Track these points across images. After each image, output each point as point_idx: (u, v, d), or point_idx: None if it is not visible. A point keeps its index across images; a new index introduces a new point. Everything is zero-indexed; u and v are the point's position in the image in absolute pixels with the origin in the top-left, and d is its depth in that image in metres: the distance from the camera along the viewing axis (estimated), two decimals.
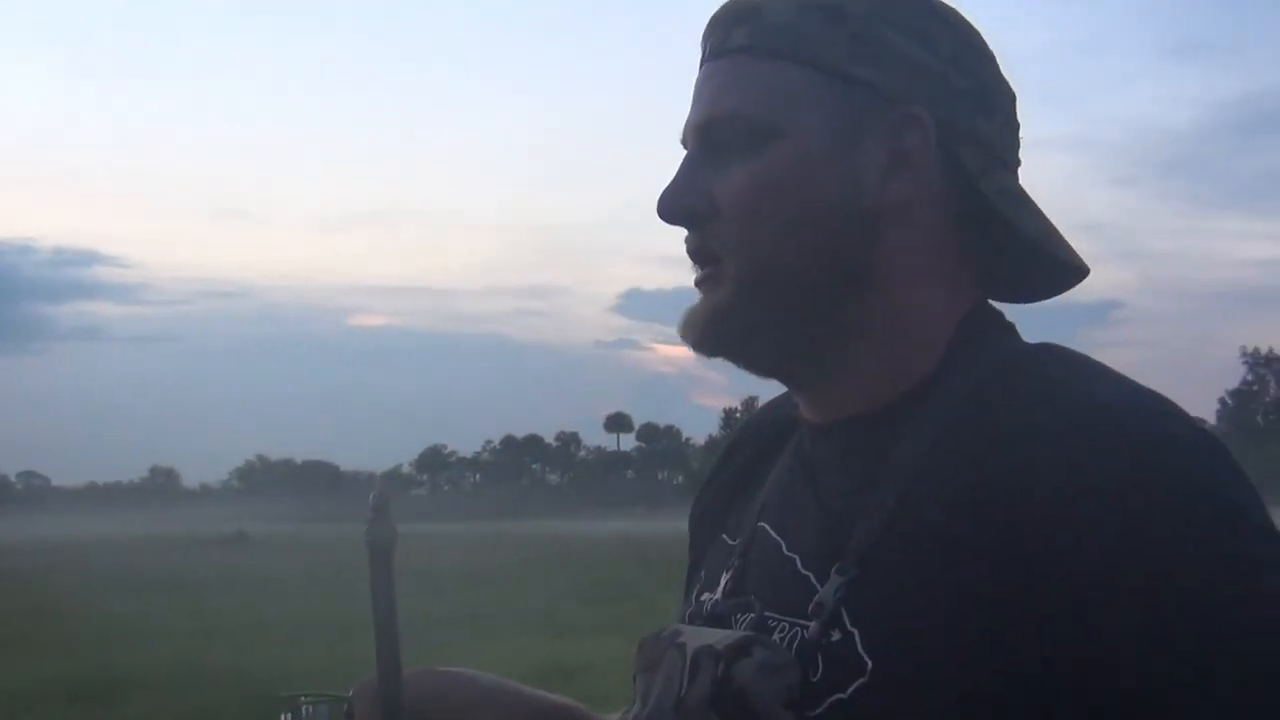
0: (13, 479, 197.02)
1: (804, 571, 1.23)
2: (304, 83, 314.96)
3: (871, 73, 1.23)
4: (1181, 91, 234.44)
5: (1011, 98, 1.32)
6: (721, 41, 1.29)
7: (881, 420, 1.24)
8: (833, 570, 1.18)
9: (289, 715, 1.38)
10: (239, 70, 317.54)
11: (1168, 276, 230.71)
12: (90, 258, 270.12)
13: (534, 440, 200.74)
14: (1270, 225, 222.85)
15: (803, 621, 1.18)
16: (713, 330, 1.28)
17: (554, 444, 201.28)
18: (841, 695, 1.12)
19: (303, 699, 1.38)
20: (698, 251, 1.29)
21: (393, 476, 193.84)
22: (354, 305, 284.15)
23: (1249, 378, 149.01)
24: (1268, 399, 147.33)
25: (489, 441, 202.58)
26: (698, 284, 1.29)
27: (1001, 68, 1.32)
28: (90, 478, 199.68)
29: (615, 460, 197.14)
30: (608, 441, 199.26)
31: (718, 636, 1.21)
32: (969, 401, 1.19)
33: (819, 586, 1.19)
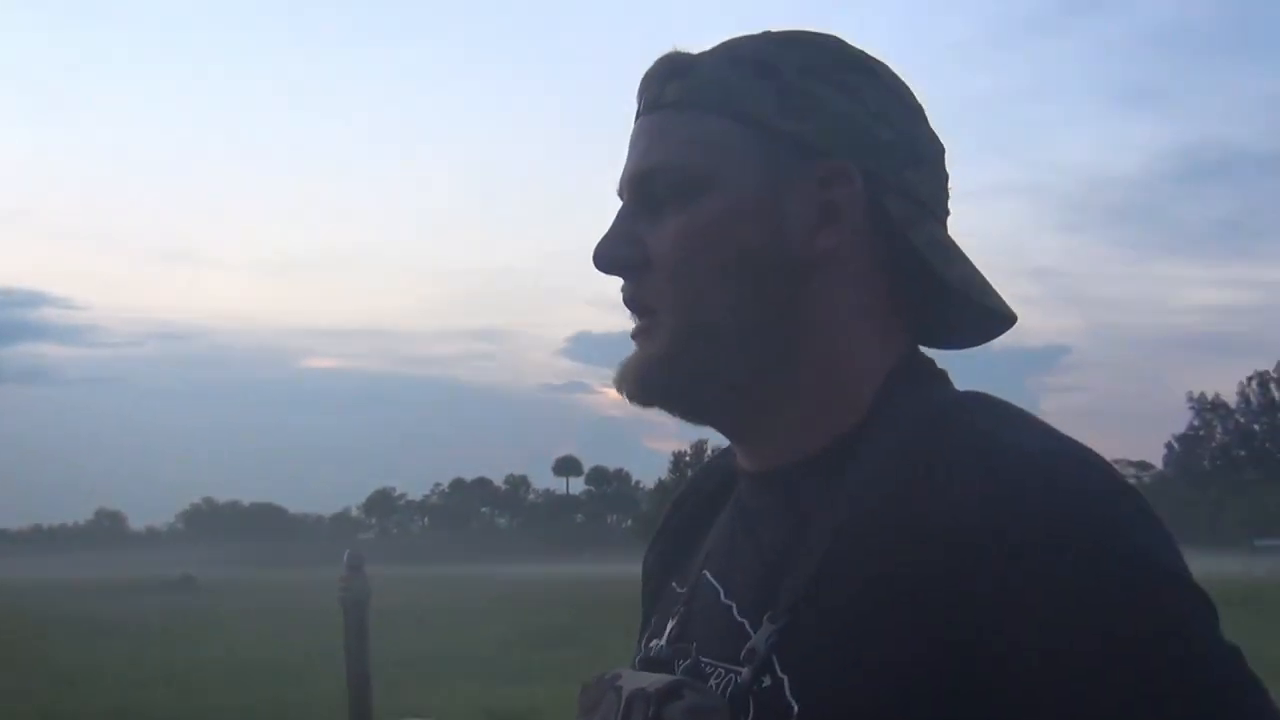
0: None
1: (739, 619, 1.24)
2: (252, 125, 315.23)
3: (799, 126, 1.25)
4: (1127, 139, 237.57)
5: (940, 150, 1.33)
6: (655, 96, 1.31)
7: (812, 469, 1.25)
8: (764, 618, 1.19)
9: None
10: (186, 111, 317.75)
11: (1115, 322, 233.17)
12: (37, 299, 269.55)
13: (483, 483, 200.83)
14: (1214, 272, 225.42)
15: (736, 667, 1.19)
16: (646, 381, 1.29)
17: (503, 487, 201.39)
18: None
19: None
20: (632, 301, 1.30)
21: (341, 519, 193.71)
22: (304, 348, 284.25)
23: (1195, 423, 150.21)
24: (1214, 444, 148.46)
25: (438, 484, 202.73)
26: (634, 336, 1.30)
27: (930, 120, 1.33)
28: (35, 520, 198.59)
29: (565, 503, 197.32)
30: (557, 485, 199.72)
31: (651, 680, 1.22)
32: (897, 451, 1.18)
33: (752, 633, 1.20)
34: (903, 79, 1.32)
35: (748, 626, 1.22)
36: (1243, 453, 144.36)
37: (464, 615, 27.91)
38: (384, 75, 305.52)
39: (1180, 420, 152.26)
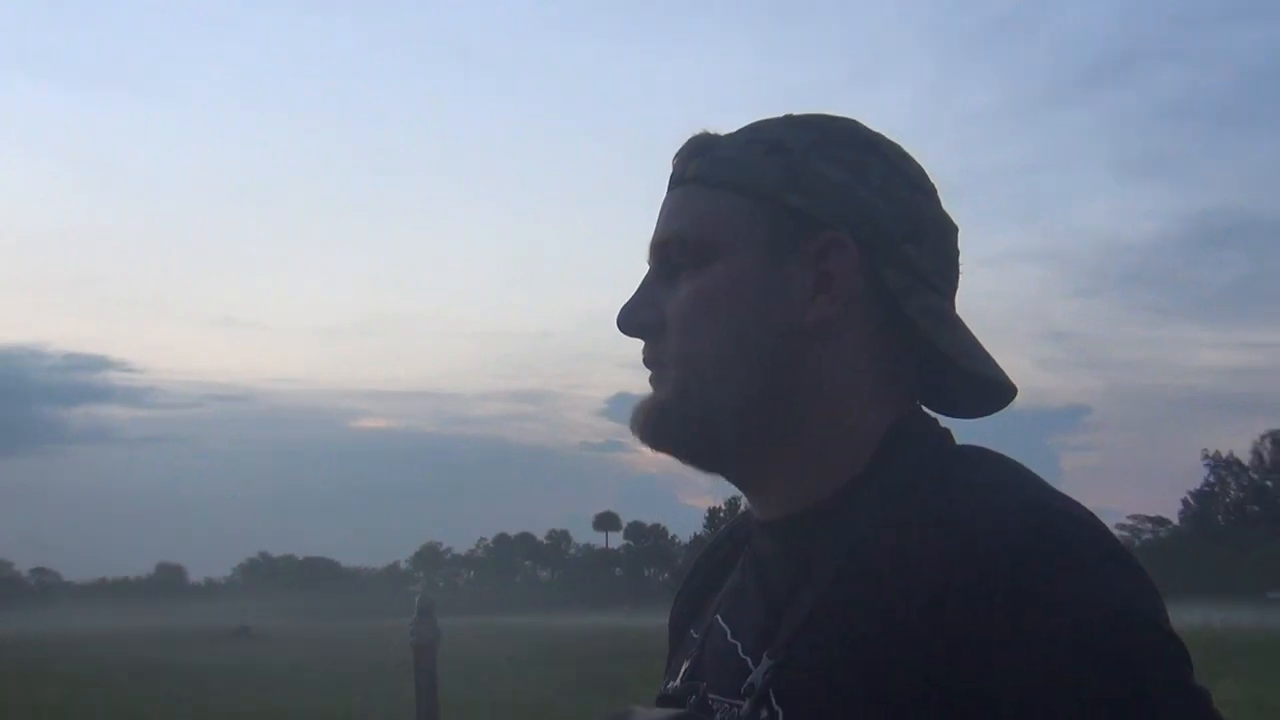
0: (25, 574, 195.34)
1: (743, 656, 1.28)
2: (304, 198, 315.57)
3: (802, 200, 1.28)
4: (1141, 206, 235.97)
5: (946, 228, 1.35)
6: (680, 172, 1.37)
7: (815, 518, 1.28)
8: (765, 655, 1.23)
9: None
10: (240, 185, 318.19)
11: (1132, 383, 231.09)
12: (100, 363, 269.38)
13: (526, 538, 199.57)
14: (1227, 334, 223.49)
15: (739, 701, 1.23)
16: (654, 427, 1.33)
17: (545, 541, 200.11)
18: None
19: None
20: (650, 361, 1.35)
21: (391, 572, 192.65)
22: (357, 409, 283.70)
23: (1210, 479, 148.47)
24: (1228, 500, 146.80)
25: (483, 539, 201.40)
26: (650, 381, 1.35)
27: (941, 201, 1.36)
28: (100, 574, 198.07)
29: (604, 557, 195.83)
30: (596, 539, 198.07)
31: (659, 715, 1.27)
32: (895, 501, 1.22)
33: (753, 669, 1.23)
34: (915, 161, 1.35)
35: (750, 663, 1.25)
36: (1256, 508, 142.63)
37: (511, 664, 27.83)
38: (430, 151, 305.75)
39: (1196, 477, 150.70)
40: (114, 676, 28.14)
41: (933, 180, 1.36)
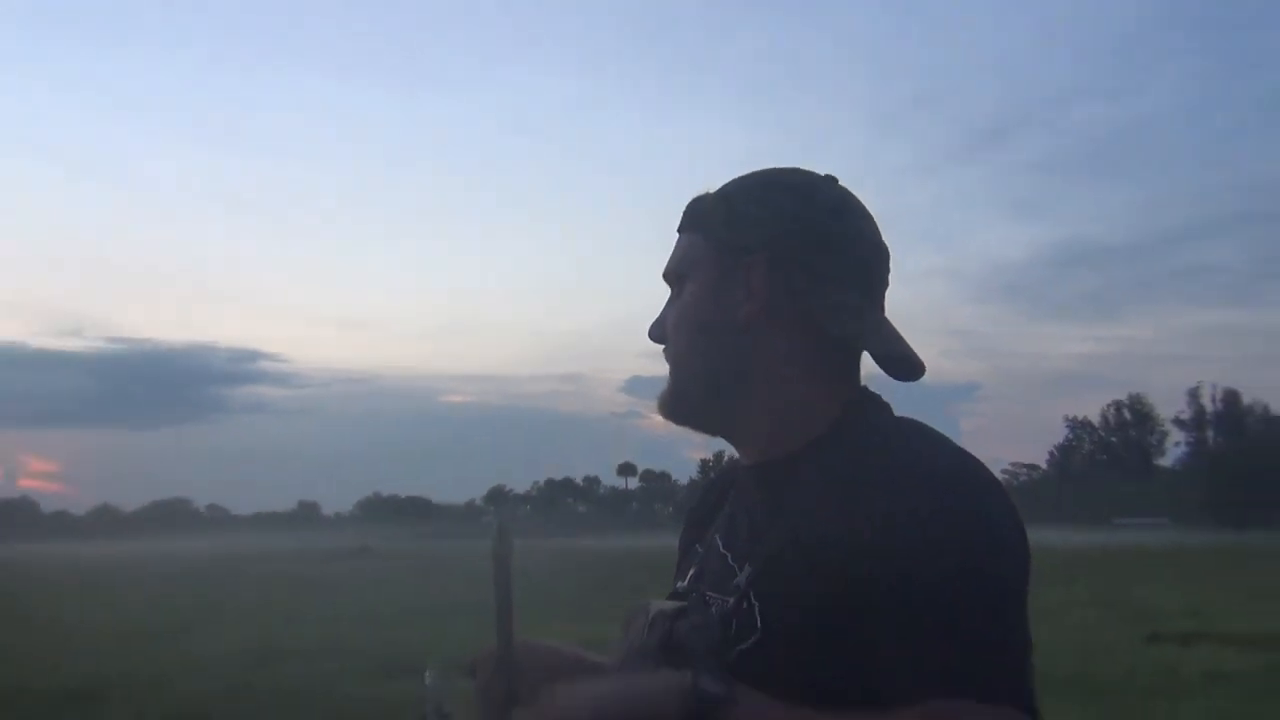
0: (202, 509, 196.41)
1: (732, 564, 1.31)
2: (407, 228, 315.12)
3: (731, 234, 1.34)
4: (1017, 237, 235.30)
5: (860, 240, 1.35)
6: (680, 223, 1.41)
7: (787, 463, 1.31)
8: (746, 563, 1.28)
9: (429, 674, 1.39)
10: (362, 223, 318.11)
11: (1011, 367, 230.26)
12: (256, 355, 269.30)
13: (568, 481, 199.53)
14: (1080, 331, 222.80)
15: (726, 598, 1.28)
16: (665, 407, 1.40)
17: (581, 484, 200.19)
18: (744, 646, 1.22)
19: (431, 666, 1.39)
20: (666, 358, 1.40)
21: (469, 507, 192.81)
22: (444, 388, 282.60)
23: (1069, 436, 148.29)
24: (1082, 451, 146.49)
25: (535, 482, 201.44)
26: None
27: (863, 221, 1.35)
28: (256, 508, 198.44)
29: (625, 496, 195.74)
30: (619, 483, 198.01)
31: (669, 605, 1.32)
32: (852, 453, 1.25)
33: (739, 573, 1.28)
34: (842, 196, 1.35)
35: (736, 569, 1.29)
36: (1104, 457, 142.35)
37: (557, 573, 27.72)
38: (503, 197, 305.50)
39: (1059, 435, 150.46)
40: (268, 584, 28.21)
41: (859, 207, 1.36)
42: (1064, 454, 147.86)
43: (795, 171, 1.38)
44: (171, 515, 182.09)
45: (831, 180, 1.37)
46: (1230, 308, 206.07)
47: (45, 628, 16.76)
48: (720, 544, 1.37)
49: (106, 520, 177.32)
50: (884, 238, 1.38)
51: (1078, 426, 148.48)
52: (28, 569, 38.86)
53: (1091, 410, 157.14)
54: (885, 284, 1.37)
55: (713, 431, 1.40)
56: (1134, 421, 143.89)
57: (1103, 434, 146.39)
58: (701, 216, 1.38)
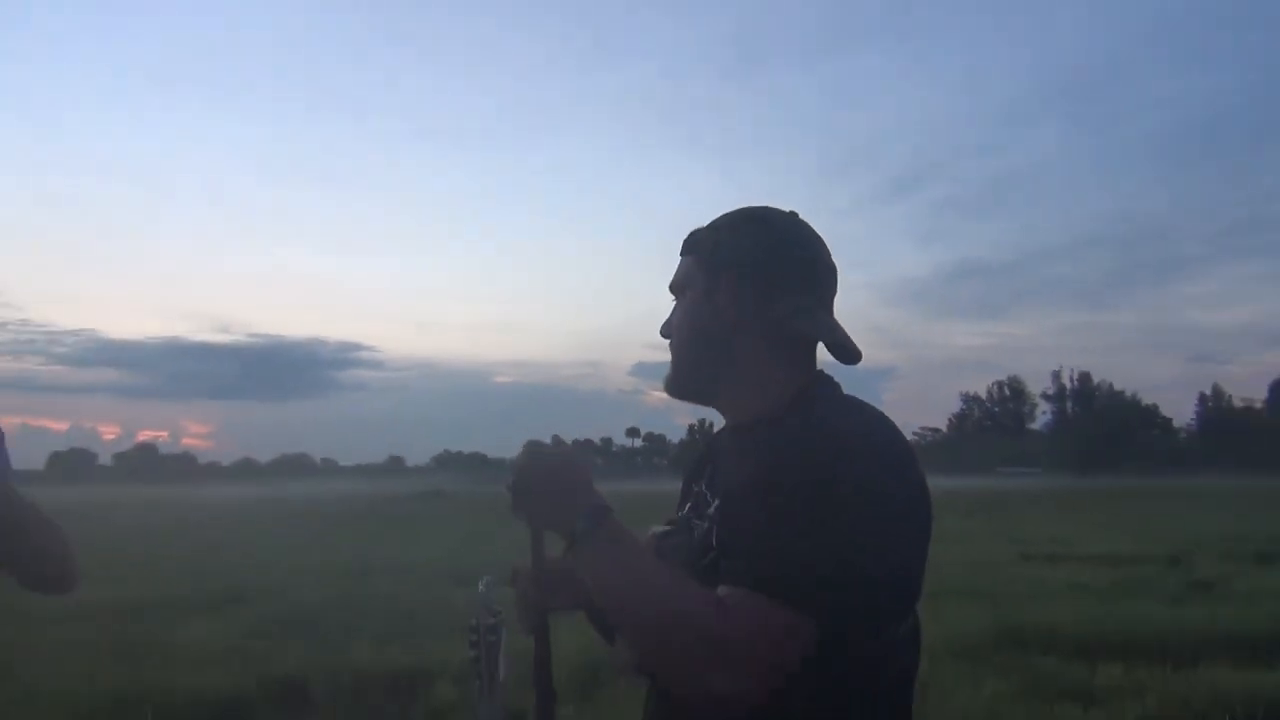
0: (318, 461, 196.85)
1: (709, 499, 1.32)
2: (465, 251, 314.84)
3: (714, 256, 1.35)
4: (925, 258, 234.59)
5: (806, 259, 1.35)
6: (681, 248, 1.41)
7: (754, 427, 1.31)
8: (716, 499, 1.29)
9: (482, 583, 1.39)
10: (430, 250, 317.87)
11: (919, 354, 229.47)
12: (356, 347, 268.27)
13: (589, 441, 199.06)
14: (971, 327, 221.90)
15: (703, 523, 1.29)
16: (672, 387, 1.41)
17: (599, 443, 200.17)
18: (705, 561, 1.22)
19: (484, 577, 1.40)
20: (671, 350, 1.41)
21: (512, 461, 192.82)
22: (496, 370, 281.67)
23: (964, 407, 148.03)
24: (973, 418, 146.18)
25: (565, 443, 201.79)
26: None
27: (813, 244, 1.36)
28: (357, 461, 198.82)
29: (632, 452, 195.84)
30: (628, 442, 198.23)
31: (661, 528, 1.38)
32: (797, 421, 1.24)
33: (711, 505, 1.30)
34: (796, 227, 1.36)
35: (710, 502, 1.31)
36: (989, 422, 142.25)
37: None
38: (538, 218, 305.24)
39: (955, 405, 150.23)
40: (368, 519, 28.24)
41: (811, 233, 1.37)
42: (959, 420, 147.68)
43: (765, 208, 1.38)
44: (295, 466, 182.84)
45: (793, 214, 1.38)
46: (1083, 310, 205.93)
47: (194, 550, 16.77)
48: (705, 485, 1.36)
49: (246, 470, 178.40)
50: (832, 258, 1.38)
51: (969, 400, 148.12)
52: (185, 506, 38.96)
53: (980, 387, 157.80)
54: (834, 292, 1.37)
55: (703, 404, 1.40)
56: (1012, 396, 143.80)
57: (988, 405, 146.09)
58: (696, 243, 1.38)
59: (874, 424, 1.22)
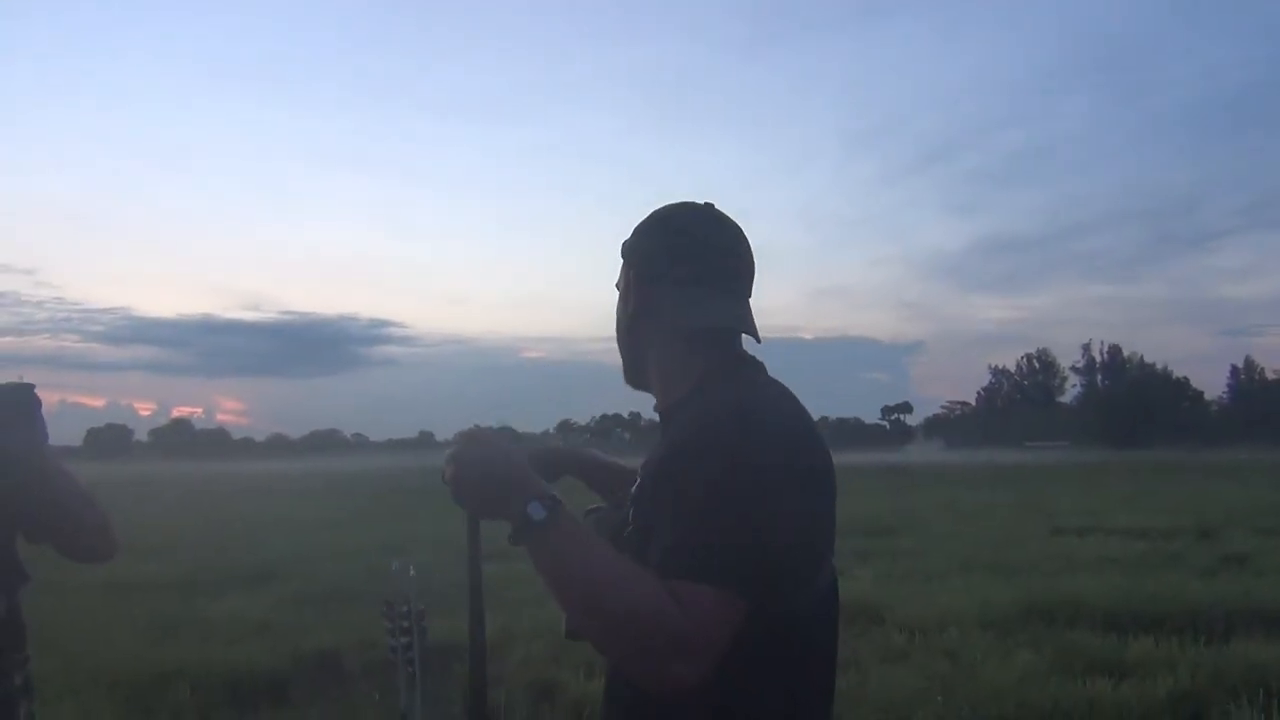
0: (349, 437, 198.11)
1: (637, 479, 1.36)
2: (494, 231, 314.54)
3: (626, 256, 1.43)
4: (956, 232, 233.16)
5: (700, 250, 1.38)
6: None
7: (672, 411, 1.38)
8: (639, 478, 1.34)
9: (396, 564, 1.44)
10: (458, 230, 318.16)
11: (948, 328, 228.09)
12: (386, 324, 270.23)
13: (618, 416, 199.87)
14: (1001, 301, 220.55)
15: (629, 502, 1.34)
16: (625, 380, 1.48)
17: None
18: (622, 535, 1.28)
19: (395, 560, 1.43)
20: None
21: (543, 435, 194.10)
22: (524, 346, 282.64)
23: (992, 380, 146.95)
24: (1002, 392, 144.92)
25: (594, 416, 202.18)
26: None
27: (700, 236, 1.38)
28: (388, 436, 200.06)
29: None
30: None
31: (594, 506, 1.47)
32: (698, 402, 1.30)
33: (634, 485, 1.35)
34: (701, 219, 1.39)
35: (637, 482, 1.35)
36: (1019, 396, 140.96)
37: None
38: (560, 212, 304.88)
39: (984, 379, 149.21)
40: (397, 491, 28.45)
41: (716, 223, 1.40)
42: (988, 394, 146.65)
43: (675, 204, 1.42)
44: (326, 442, 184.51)
45: (707, 206, 1.41)
46: (1114, 283, 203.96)
47: (230, 525, 16.97)
48: (639, 466, 1.41)
49: (279, 445, 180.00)
50: (746, 244, 1.41)
51: (998, 373, 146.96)
52: (220, 482, 39.44)
53: (1009, 360, 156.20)
54: (739, 277, 1.40)
55: (638, 387, 1.46)
56: (1041, 369, 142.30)
57: (1017, 379, 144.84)
58: (624, 246, 1.44)
59: (770, 397, 1.29)
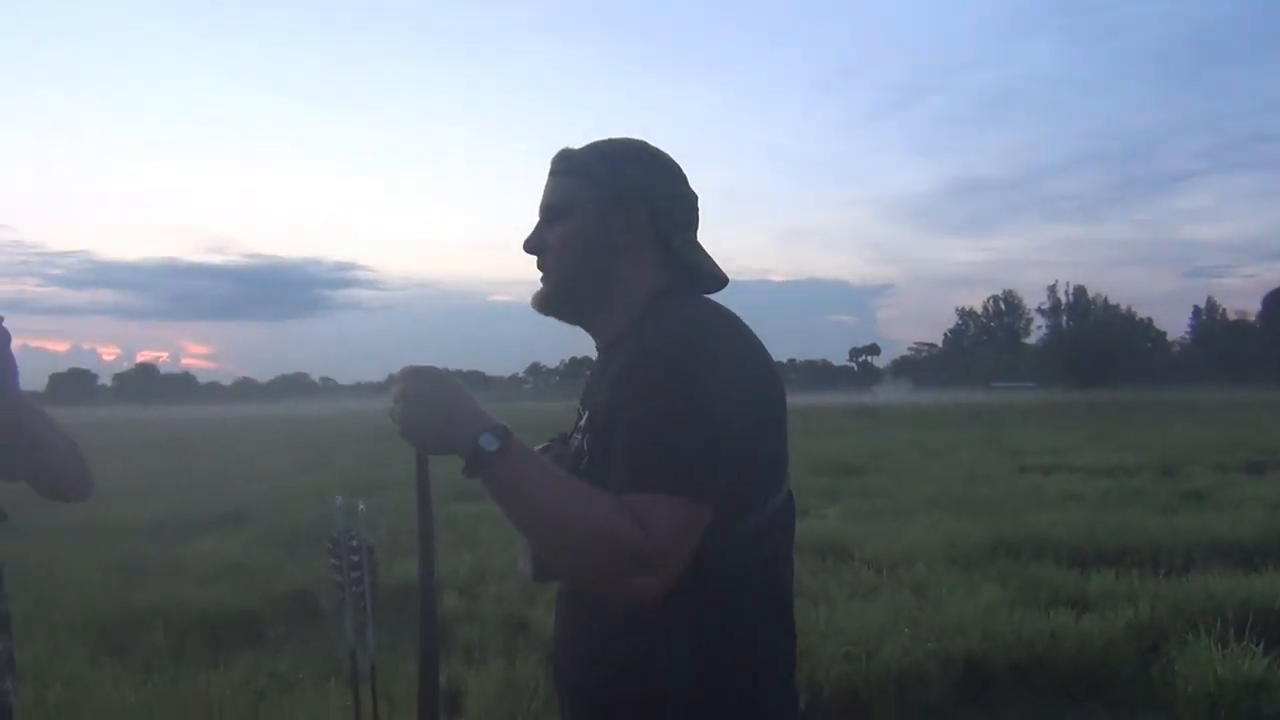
0: (317, 380, 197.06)
1: (583, 411, 1.38)
2: (462, 174, 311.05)
3: (613, 182, 1.38)
4: (922, 174, 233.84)
5: (686, 195, 1.42)
6: (554, 168, 1.43)
7: (615, 342, 1.38)
8: (586, 411, 1.35)
9: (340, 499, 1.43)
10: (426, 172, 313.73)
11: (916, 270, 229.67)
12: (354, 266, 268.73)
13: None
14: (967, 243, 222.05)
15: (578, 436, 1.35)
16: (541, 304, 1.42)
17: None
18: (580, 467, 1.29)
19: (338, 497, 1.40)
20: (540, 267, 1.43)
21: (512, 379, 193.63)
22: (492, 290, 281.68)
23: (959, 322, 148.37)
24: (969, 334, 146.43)
25: (563, 359, 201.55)
26: (541, 280, 1.44)
27: (684, 182, 1.43)
28: (356, 379, 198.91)
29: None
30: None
31: (542, 444, 1.41)
32: (646, 327, 1.31)
33: (583, 417, 1.36)
34: (675, 163, 1.43)
35: (582, 414, 1.38)
36: (985, 337, 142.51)
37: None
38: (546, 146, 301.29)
39: (951, 321, 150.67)
40: (366, 437, 28.27)
41: (681, 170, 1.44)
42: (955, 335, 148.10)
43: (646, 143, 1.44)
44: (294, 385, 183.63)
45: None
46: (1079, 225, 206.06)
47: (198, 469, 16.89)
48: (580, 402, 1.42)
49: (246, 389, 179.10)
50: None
51: (965, 315, 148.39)
52: (187, 426, 39.18)
53: (975, 302, 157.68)
54: (699, 224, 1.44)
55: (573, 323, 1.44)
56: (1007, 310, 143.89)
57: (984, 320, 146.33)
58: (583, 166, 1.40)
59: (721, 315, 1.31)
